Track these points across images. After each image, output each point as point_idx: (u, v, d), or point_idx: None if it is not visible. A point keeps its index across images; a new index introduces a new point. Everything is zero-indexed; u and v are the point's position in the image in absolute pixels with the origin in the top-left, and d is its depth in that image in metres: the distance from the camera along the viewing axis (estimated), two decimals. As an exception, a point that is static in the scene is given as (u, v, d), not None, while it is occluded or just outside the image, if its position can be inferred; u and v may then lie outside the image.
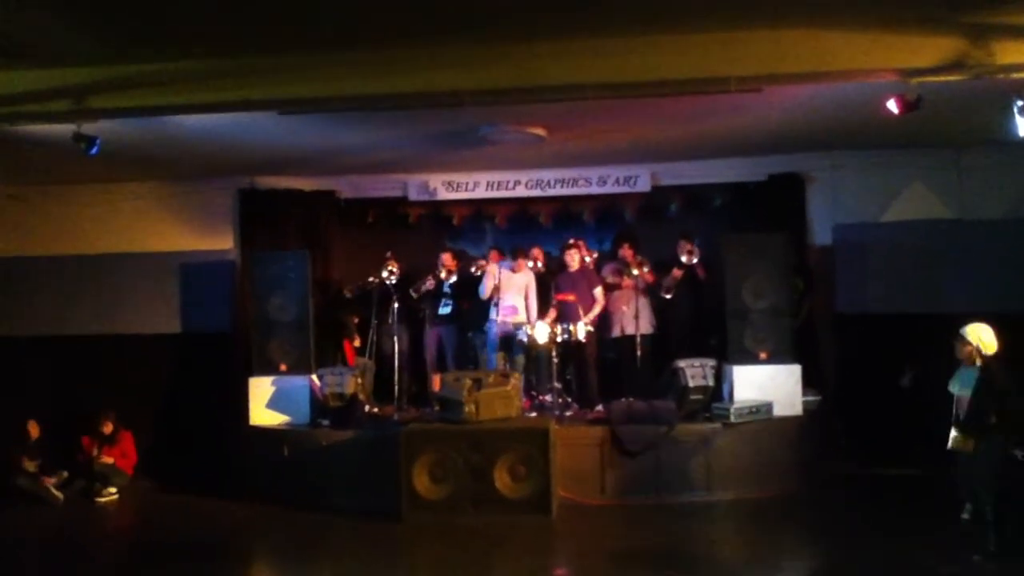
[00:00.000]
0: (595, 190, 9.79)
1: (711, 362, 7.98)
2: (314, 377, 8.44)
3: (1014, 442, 5.92)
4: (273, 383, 8.46)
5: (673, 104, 7.03)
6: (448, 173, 9.83)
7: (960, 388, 5.87)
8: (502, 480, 7.13)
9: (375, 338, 9.39)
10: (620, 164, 9.63)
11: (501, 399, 7.55)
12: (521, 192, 9.85)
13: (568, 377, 8.98)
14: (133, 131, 7.26)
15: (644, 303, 8.77)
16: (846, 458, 8.51)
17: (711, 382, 7.93)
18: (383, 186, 9.99)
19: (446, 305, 9.40)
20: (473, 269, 9.24)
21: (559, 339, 8.31)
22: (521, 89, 6.11)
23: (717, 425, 7.73)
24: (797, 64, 5.74)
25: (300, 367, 8.48)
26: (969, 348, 5.79)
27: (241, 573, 6.60)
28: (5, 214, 9.74)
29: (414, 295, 9.21)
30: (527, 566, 6.29)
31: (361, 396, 8.35)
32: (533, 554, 6.47)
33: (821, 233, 9.44)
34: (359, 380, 8.32)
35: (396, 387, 8.78)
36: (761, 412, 7.85)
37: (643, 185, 9.69)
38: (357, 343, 9.60)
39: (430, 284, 9.20)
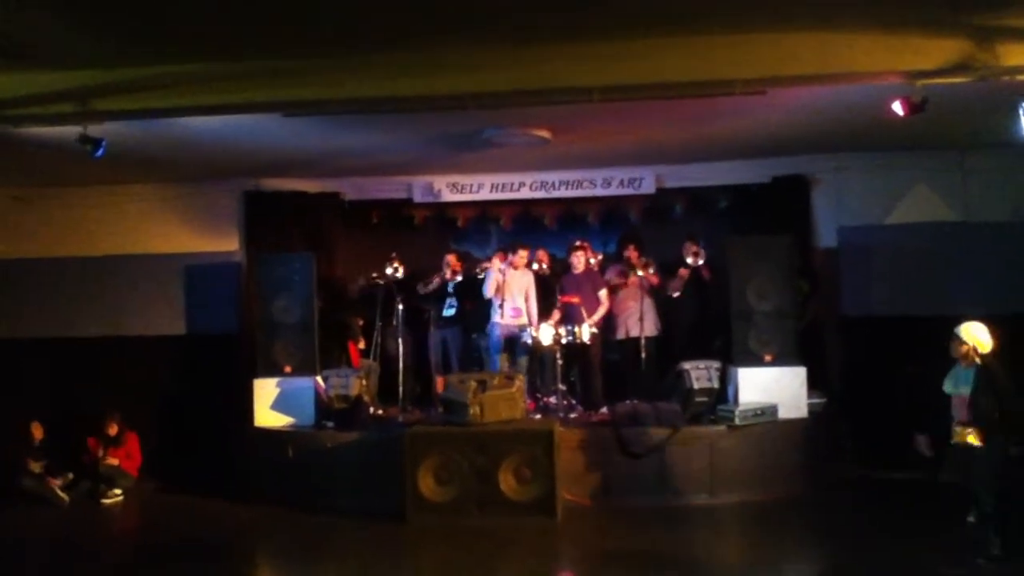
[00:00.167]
0: (599, 192, 9.79)
1: (716, 364, 7.98)
2: (319, 379, 8.44)
3: (1014, 442, 5.90)
4: (278, 385, 8.47)
5: (678, 106, 7.02)
6: (452, 175, 9.83)
7: (955, 387, 5.86)
8: (507, 482, 7.13)
9: (379, 340, 9.41)
10: (624, 166, 9.63)
11: (506, 401, 7.55)
12: (525, 194, 9.85)
13: (572, 379, 8.99)
14: (138, 133, 7.28)
15: (649, 305, 8.77)
16: (851, 461, 8.50)
17: (716, 384, 7.93)
18: (387, 188, 9.99)
19: (450, 307, 9.40)
20: (477, 271, 9.24)
21: (563, 341, 8.30)
22: (525, 92, 6.13)
23: (722, 427, 7.72)
24: (802, 66, 5.75)
25: (305, 369, 8.48)
26: (966, 347, 5.79)
27: (245, 575, 6.59)
28: (10, 216, 9.76)
29: (422, 291, 9.22)
30: (532, 568, 6.30)
31: (366, 398, 8.36)
32: (538, 556, 6.48)
33: (826, 235, 9.43)
34: (363, 382, 8.34)
35: (400, 389, 8.79)
36: (766, 414, 7.84)
37: (647, 187, 9.68)
38: (362, 345, 9.61)
39: (438, 281, 9.21)
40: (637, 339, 8.54)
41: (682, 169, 9.62)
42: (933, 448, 7.78)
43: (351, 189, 9.97)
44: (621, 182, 9.72)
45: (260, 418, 8.44)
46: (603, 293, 8.90)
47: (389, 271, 8.87)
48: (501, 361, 8.86)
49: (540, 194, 9.83)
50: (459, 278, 9.25)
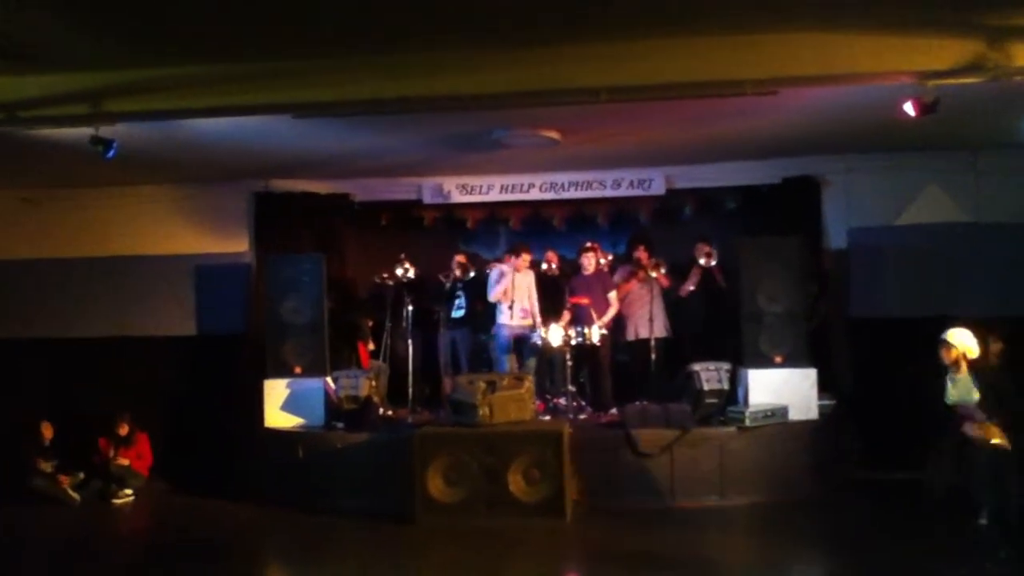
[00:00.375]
0: (609, 193, 9.78)
1: (726, 366, 7.97)
2: (328, 379, 8.46)
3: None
4: (288, 385, 8.49)
5: (687, 107, 7.01)
6: (462, 176, 9.84)
7: (963, 397, 5.79)
8: (516, 483, 7.12)
9: (389, 341, 9.42)
10: (634, 167, 9.62)
11: (515, 402, 7.55)
12: (535, 195, 9.84)
13: (582, 380, 8.98)
14: (149, 135, 7.32)
15: (658, 306, 8.75)
16: (861, 462, 8.46)
17: (726, 386, 7.91)
18: (397, 189, 10.00)
19: (459, 308, 9.41)
20: (488, 270, 9.25)
21: (573, 342, 8.30)
22: (534, 92, 6.13)
23: (732, 429, 7.71)
24: (813, 67, 5.73)
25: (314, 370, 8.50)
26: (956, 352, 5.75)
27: (253, 575, 6.60)
28: (21, 217, 9.82)
29: (444, 279, 9.25)
30: (541, 570, 6.29)
31: (375, 399, 8.37)
32: (547, 557, 6.48)
33: (836, 237, 9.39)
34: (373, 383, 8.35)
35: (410, 390, 8.80)
36: (776, 416, 7.82)
37: (657, 188, 9.67)
38: (371, 346, 9.64)
39: (459, 272, 9.20)
40: (647, 340, 8.53)
41: (692, 170, 9.60)
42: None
43: (361, 190, 9.98)
44: (631, 183, 9.70)
45: (270, 419, 8.46)
46: (613, 294, 8.90)
47: (399, 272, 8.88)
48: (509, 362, 8.86)
49: (549, 195, 9.82)
50: (472, 274, 9.23)
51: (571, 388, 8.43)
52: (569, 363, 8.35)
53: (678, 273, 9.05)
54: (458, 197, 9.88)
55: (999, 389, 5.58)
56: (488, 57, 5.89)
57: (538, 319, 8.87)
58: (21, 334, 9.73)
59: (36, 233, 9.85)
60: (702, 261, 8.72)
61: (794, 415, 7.92)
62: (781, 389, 8.01)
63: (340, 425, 8.20)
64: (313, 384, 8.46)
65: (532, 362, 8.98)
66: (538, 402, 8.27)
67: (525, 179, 9.81)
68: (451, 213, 10.02)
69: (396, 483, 7.40)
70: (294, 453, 8.05)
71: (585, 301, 8.66)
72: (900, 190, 9.20)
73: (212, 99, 6.17)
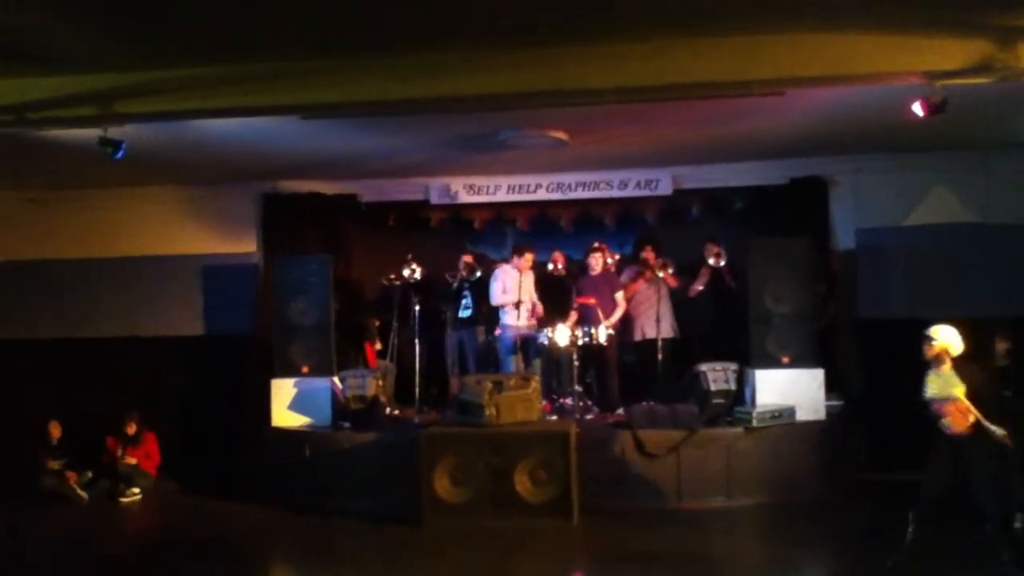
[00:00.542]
0: (616, 193, 9.77)
1: (733, 366, 7.96)
2: (335, 379, 8.47)
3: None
4: (295, 385, 8.51)
5: (695, 107, 7.01)
6: (469, 176, 9.84)
7: (936, 392, 5.80)
8: (523, 484, 7.12)
9: (396, 341, 9.43)
10: (641, 167, 9.61)
11: (522, 402, 7.55)
12: (542, 195, 9.83)
13: (588, 380, 8.97)
14: (157, 136, 7.35)
15: (666, 307, 8.75)
16: (868, 463, 8.44)
17: (733, 386, 7.92)
18: (404, 189, 10.01)
19: (466, 308, 9.42)
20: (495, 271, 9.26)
21: (580, 342, 8.30)
22: (542, 93, 6.13)
23: (739, 429, 7.70)
24: (821, 67, 5.72)
25: (321, 369, 8.52)
26: (937, 348, 5.74)
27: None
28: (29, 218, 9.86)
29: (450, 279, 9.26)
30: (547, 570, 6.28)
31: (382, 398, 8.39)
32: (554, 559, 6.48)
33: (843, 237, 9.38)
34: (380, 383, 8.37)
35: (417, 390, 8.81)
36: (783, 416, 7.81)
37: (664, 188, 9.65)
38: (378, 346, 9.65)
39: (465, 273, 9.22)
40: (654, 340, 8.53)
41: (699, 170, 9.59)
42: None
43: (368, 191, 9.99)
44: (638, 183, 9.69)
45: (277, 418, 8.49)
46: (620, 295, 8.89)
47: (406, 272, 8.90)
48: (515, 363, 8.86)
49: (556, 195, 9.82)
50: (478, 274, 9.24)
51: (578, 388, 8.43)
52: (576, 363, 8.35)
53: (686, 273, 9.04)
54: (465, 197, 9.88)
55: (980, 386, 5.58)
56: (496, 58, 5.89)
57: (539, 308, 8.85)
58: (30, 335, 9.77)
59: (45, 234, 9.90)
60: (711, 261, 8.72)
61: (801, 416, 7.91)
62: (788, 390, 8.00)
63: (347, 425, 8.22)
64: (320, 384, 8.48)
65: (538, 363, 8.98)
66: (545, 402, 8.27)
67: (532, 179, 9.81)
68: (458, 213, 10.01)
69: (403, 483, 7.42)
70: (301, 452, 8.07)
71: (592, 301, 8.66)
72: (908, 191, 9.18)
73: (220, 100, 6.18)
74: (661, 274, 8.64)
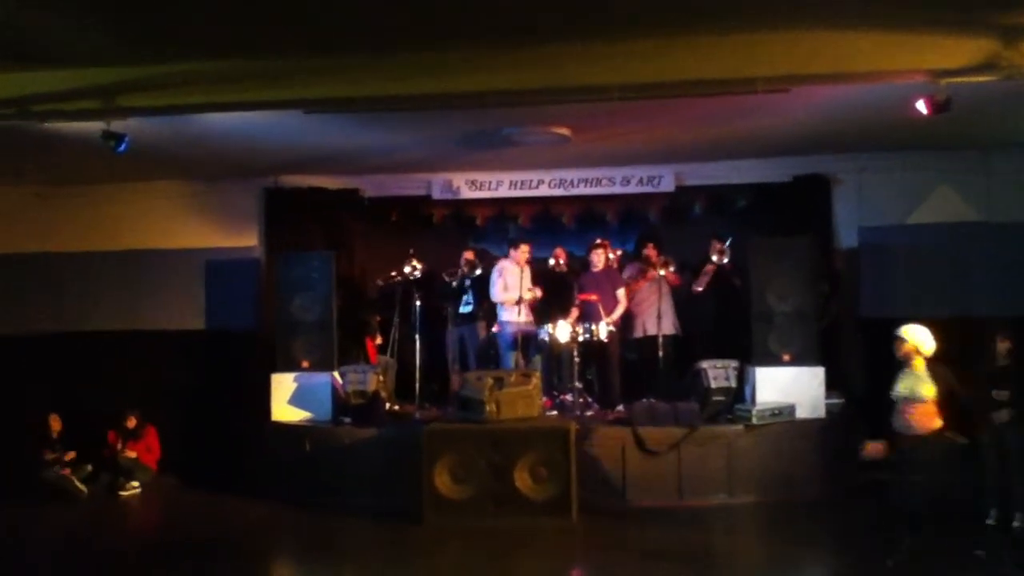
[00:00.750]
0: (618, 190, 9.75)
1: (733, 363, 7.96)
2: (336, 374, 8.47)
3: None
4: (295, 380, 8.52)
5: (698, 105, 6.99)
6: (471, 172, 9.83)
7: (904, 391, 5.81)
8: (523, 481, 7.11)
9: (397, 336, 9.42)
10: (644, 164, 9.60)
11: (522, 399, 7.54)
12: (544, 192, 9.83)
13: (589, 377, 8.97)
14: (160, 130, 7.33)
15: (667, 304, 8.74)
16: (869, 462, 8.42)
17: (733, 383, 7.91)
18: (406, 185, 10.00)
19: (467, 304, 9.41)
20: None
21: (580, 339, 8.29)
22: (546, 90, 6.12)
23: (739, 427, 7.70)
24: (825, 65, 5.72)
25: (322, 365, 8.52)
26: (907, 347, 5.76)
27: (259, 573, 6.55)
28: (33, 212, 9.86)
29: (447, 278, 9.27)
30: (547, 567, 6.28)
31: (383, 394, 8.38)
32: (554, 556, 6.47)
33: (846, 235, 9.37)
34: (381, 378, 8.37)
35: (417, 386, 8.81)
36: (783, 414, 7.81)
37: (667, 185, 9.64)
38: (379, 341, 9.64)
39: (466, 269, 9.22)
40: (655, 338, 8.52)
41: (702, 167, 9.58)
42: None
43: (370, 186, 9.99)
44: (640, 180, 9.68)
45: (278, 413, 8.49)
46: (621, 292, 8.88)
47: (407, 269, 8.91)
48: (514, 359, 8.85)
49: (559, 192, 9.81)
50: (478, 271, 9.23)
51: (578, 385, 8.42)
52: (576, 360, 8.34)
53: (690, 271, 9.03)
54: (467, 193, 9.88)
55: (952, 388, 5.61)
56: (500, 54, 5.88)
57: (538, 292, 8.89)
58: (31, 329, 9.76)
59: (47, 228, 9.89)
60: (715, 259, 8.71)
61: (801, 414, 7.91)
62: (789, 388, 8.00)
63: (347, 420, 8.23)
64: (321, 379, 8.48)
65: (537, 359, 8.98)
66: (545, 399, 8.27)
67: (534, 175, 9.80)
68: (460, 210, 10.00)
69: (403, 480, 7.42)
70: (301, 448, 8.08)
71: (594, 298, 8.65)
72: (911, 189, 9.17)
73: (222, 94, 6.18)
74: (662, 272, 8.63)
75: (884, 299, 9.07)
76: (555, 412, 8.38)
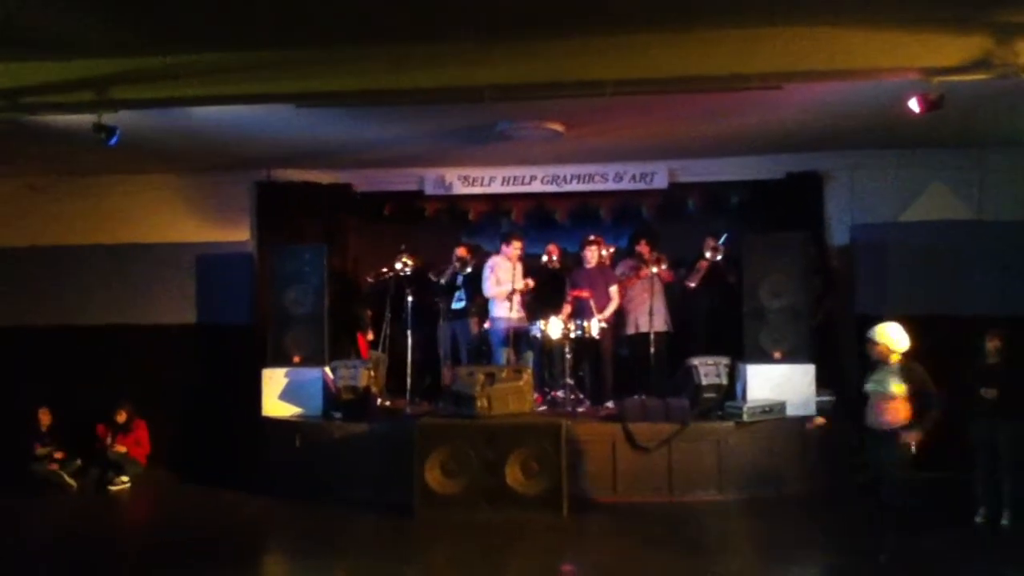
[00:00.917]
0: (612, 186, 9.73)
1: (725, 360, 7.98)
2: (327, 369, 8.45)
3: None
4: (286, 374, 8.50)
5: (692, 101, 6.99)
6: (464, 167, 9.80)
7: (874, 386, 5.90)
8: (514, 476, 7.13)
9: (388, 331, 9.40)
10: (637, 161, 9.58)
11: (514, 394, 7.56)
12: (537, 187, 9.80)
13: (581, 374, 8.97)
14: (152, 123, 7.31)
15: (659, 301, 8.74)
16: (859, 459, 8.44)
17: (724, 380, 7.92)
18: (399, 180, 9.96)
19: (460, 300, 9.39)
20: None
21: (572, 335, 8.29)
22: (540, 84, 6.10)
23: (730, 424, 7.71)
24: (819, 62, 5.70)
25: (314, 360, 8.51)
26: (878, 348, 5.83)
27: (250, 568, 6.51)
28: (25, 204, 9.80)
29: (434, 278, 9.24)
30: (538, 563, 6.28)
31: (374, 389, 8.37)
32: (544, 551, 6.46)
33: (839, 233, 9.36)
34: (372, 373, 8.35)
35: (409, 381, 8.80)
36: (774, 412, 7.83)
37: (660, 182, 9.63)
38: (371, 336, 9.62)
39: (451, 271, 9.21)
40: (647, 334, 8.52)
41: (695, 164, 9.57)
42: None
43: (363, 180, 9.95)
44: (633, 176, 9.66)
45: (268, 408, 8.48)
46: (614, 289, 8.88)
47: (398, 265, 8.89)
48: (506, 355, 8.85)
49: (552, 188, 9.78)
50: (469, 269, 9.22)
51: (569, 381, 8.42)
52: (568, 356, 8.34)
53: (684, 267, 9.02)
54: (460, 188, 9.85)
55: (923, 385, 5.66)
56: (494, 48, 5.86)
57: (530, 283, 8.88)
58: (20, 322, 9.72)
59: (36, 221, 9.83)
60: (708, 255, 8.71)
61: (792, 411, 7.92)
62: (781, 385, 8.02)
63: (338, 415, 8.20)
64: (312, 374, 8.47)
65: (529, 355, 8.97)
66: (536, 395, 8.26)
67: (527, 171, 9.77)
68: (453, 205, 9.97)
69: (394, 474, 7.42)
70: (291, 443, 8.06)
71: (586, 294, 8.65)
72: (904, 187, 9.17)
73: (215, 87, 6.14)
74: (655, 269, 8.63)
75: (878, 297, 9.07)
76: (546, 408, 8.37)
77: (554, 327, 8.28)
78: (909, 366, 5.77)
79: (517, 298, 8.77)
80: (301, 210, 9.74)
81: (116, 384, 9.24)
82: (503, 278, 8.80)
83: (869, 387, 5.91)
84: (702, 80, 5.97)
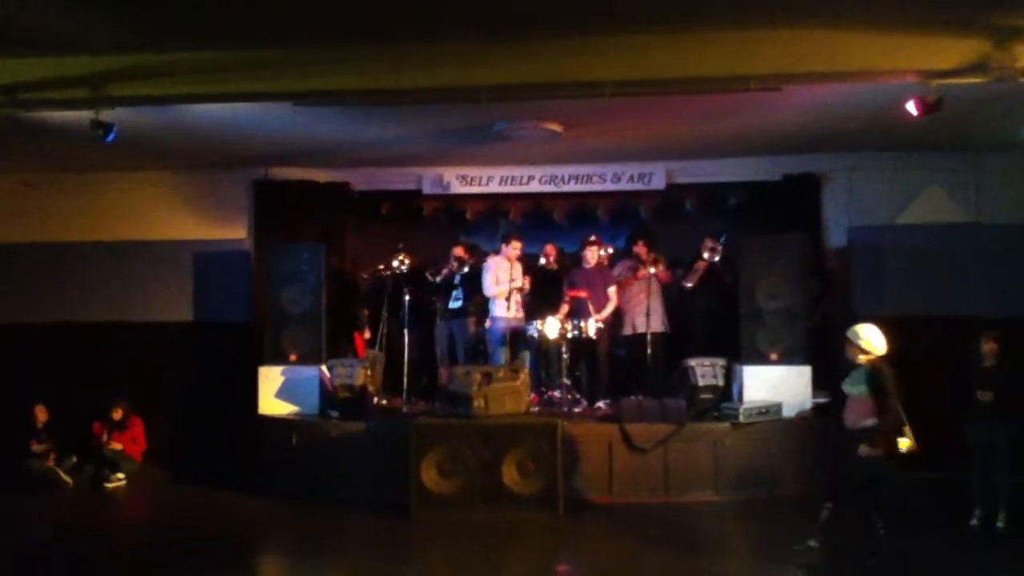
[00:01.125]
0: (610, 187, 9.74)
1: (721, 361, 7.98)
2: (324, 368, 8.44)
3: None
4: (283, 373, 8.50)
5: (691, 102, 7.00)
6: (462, 167, 9.80)
7: (846, 386, 5.98)
8: (510, 476, 7.13)
9: (386, 331, 9.40)
10: (635, 161, 9.59)
11: (510, 394, 7.55)
12: (535, 187, 9.81)
13: (578, 374, 8.96)
14: (149, 120, 7.31)
15: (656, 302, 8.74)
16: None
17: (721, 381, 7.93)
18: (396, 179, 9.96)
19: (457, 299, 9.38)
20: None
21: (570, 335, 8.28)
22: (539, 85, 6.10)
23: (726, 425, 7.72)
24: (817, 64, 5.72)
25: (311, 358, 8.50)
26: (854, 348, 5.88)
27: (244, 565, 6.49)
28: (22, 201, 9.78)
29: (431, 277, 9.23)
30: (534, 563, 6.28)
31: (370, 388, 8.36)
32: (540, 551, 6.47)
33: (836, 235, 9.38)
34: (369, 372, 8.34)
35: (405, 380, 8.79)
36: (770, 413, 7.83)
37: (658, 183, 9.64)
38: (368, 335, 9.61)
39: (447, 271, 9.20)
40: (644, 335, 8.51)
41: (693, 165, 9.58)
42: None
43: (360, 179, 9.94)
44: (631, 177, 9.67)
45: (265, 406, 8.47)
46: (612, 289, 8.88)
47: (395, 264, 8.88)
48: (503, 355, 8.84)
49: (549, 188, 9.79)
50: (466, 269, 9.22)
51: (566, 381, 8.42)
52: (565, 356, 8.34)
53: (682, 268, 9.03)
54: (458, 188, 9.85)
55: (888, 388, 5.70)
56: (493, 49, 5.87)
57: (527, 284, 8.88)
58: (17, 319, 9.68)
59: (33, 217, 9.80)
60: (706, 256, 8.71)
61: (788, 412, 7.94)
62: (777, 386, 8.03)
63: (334, 414, 8.19)
64: (309, 372, 8.47)
65: (525, 355, 8.96)
66: (533, 395, 8.26)
67: (525, 171, 9.77)
68: (451, 204, 9.97)
69: (391, 474, 7.41)
70: (288, 441, 8.05)
71: (583, 295, 8.65)
72: (902, 189, 9.20)
73: (212, 85, 6.15)
74: (652, 269, 8.63)
75: (875, 299, 9.08)
76: (542, 408, 8.36)
77: (551, 327, 8.28)
78: (877, 368, 5.80)
79: (516, 298, 8.77)
80: (299, 209, 9.72)
81: (114, 382, 9.22)
82: (501, 278, 8.79)
83: (843, 387, 5.99)
84: (701, 81, 5.98)
